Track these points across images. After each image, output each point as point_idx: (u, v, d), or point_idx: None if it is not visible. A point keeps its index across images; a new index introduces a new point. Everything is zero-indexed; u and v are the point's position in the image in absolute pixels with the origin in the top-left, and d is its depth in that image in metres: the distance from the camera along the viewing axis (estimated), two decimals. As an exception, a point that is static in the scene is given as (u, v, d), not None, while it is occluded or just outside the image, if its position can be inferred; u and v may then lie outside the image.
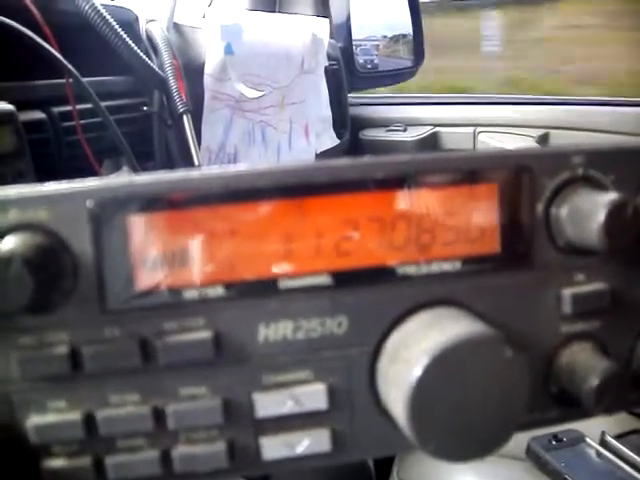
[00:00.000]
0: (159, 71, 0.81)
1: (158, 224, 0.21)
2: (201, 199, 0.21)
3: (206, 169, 0.23)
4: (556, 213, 0.23)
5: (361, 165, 0.22)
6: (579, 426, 0.74)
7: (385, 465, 0.82)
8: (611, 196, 0.22)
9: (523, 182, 0.23)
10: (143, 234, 0.21)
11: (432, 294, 0.23)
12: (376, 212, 0.22)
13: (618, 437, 0.72)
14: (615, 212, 0.21)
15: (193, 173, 0.21)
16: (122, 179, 0.21)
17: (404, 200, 0.23)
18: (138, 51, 0.76)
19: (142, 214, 0.21)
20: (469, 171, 0.23)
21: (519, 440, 0.73)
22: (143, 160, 0.80)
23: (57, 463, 0.21)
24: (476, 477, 0.72)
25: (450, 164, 0.23)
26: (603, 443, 0.72)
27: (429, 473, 0.75)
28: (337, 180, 0.22)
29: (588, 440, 0.73)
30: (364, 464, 0.81)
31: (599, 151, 0.24)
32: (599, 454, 0.71)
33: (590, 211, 0.22)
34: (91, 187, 0.21)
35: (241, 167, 0.22)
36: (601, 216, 0.21)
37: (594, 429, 0.73)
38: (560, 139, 1.16)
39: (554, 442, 0.72)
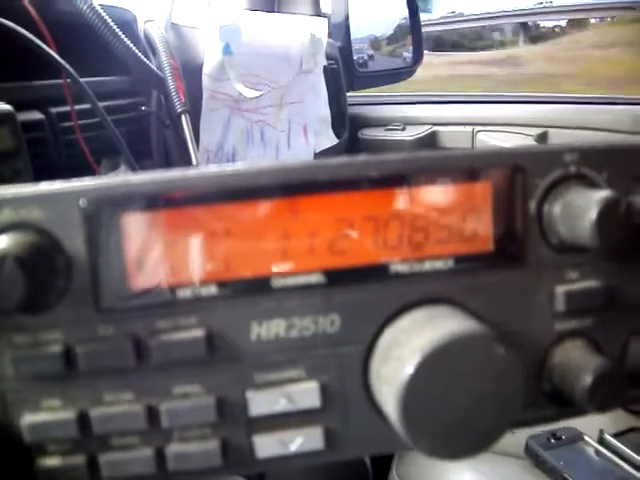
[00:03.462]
0: (157, 71, 0.81)
1: (152, 223, 0.21)
2: (195, 198, 0.21)
3: (200, 168, 0.23)
4: (549, 211, 0.23)
5: (355, 164, 0.22)
6: (577, 424, 0.74)
7: (384, 463, 0.82)
8: (603, 194, 0.22)
9: (516, 180, 0.23)
10: (136, 233, 0.21)
11: (425, 292, 0.23)
12: (370, 211, 0.22)
13: (616, 435, 0.73)
14: (607, 209, 0.21)
15: (186, 172, 0.22)
16: (115, 178, 0.21)
17: (397, 199, 0.23)
18: (136, 51, 0.75)
19: (135, 213, 0.21)
20: (462, 170, 0.23)
21: (518, 438, 0.73)
22: (141, 160, 0.80)
23: (51, 462, 0.21)
24: (475, 475, 0.72)
25: (443, 163, 0.23)
26: (601, 441, 0.72)
27: (428, 471, 0.75)
28: (331, 179, 0.22)
29: (586, 438, 0.73)
30: (361, 462, 0.81)
31: (592, 149, 0.24)
32: (597, 452, 0.71)
33: (582, 209, 0.22)
34: (84, 186, 0.21)
35: (235, 166, 0.22)
36: (593, 213, 0.21)
37: (592, 427, 0.73)
38: (559, 138, 1.16)
39: (553, 440, 0.72)
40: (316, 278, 0.22)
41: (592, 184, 0.24)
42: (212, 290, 0.22)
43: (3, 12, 0.58)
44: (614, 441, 0.71)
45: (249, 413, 0.22)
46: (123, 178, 0.21)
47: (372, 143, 1.34)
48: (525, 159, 0.23)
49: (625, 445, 0.70)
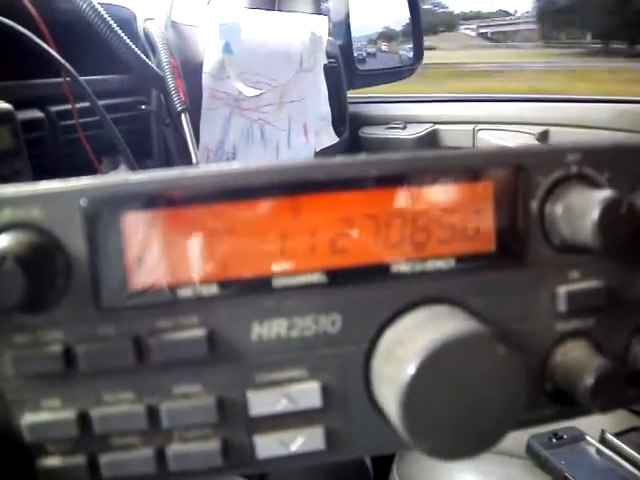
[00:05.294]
0: (157, 70, 0.81)
1: (152, 222, 0.21)
2: (195, 197, 0.21)
3: (200, 167, 0.23)
4: (551, 211, 0.23)
5: (356, 163, 0.22)
6: (579, 424, 0.74)
7: (385, 463, 0.82)
8: (605, 193, 0.22)
9: (518, 180, 0.23)
10: (137, 232, 0.21)
11: (427, 292, 0.23)
12: (371, 210, 0.22)
13: (618, 435, 0.72)
14: (609, 209, 0.21)
15: (187, 171, 0.21)
16: (116, 177, 0.21)
17: (399, 198, 0.23)
18: (136, 49, 0.75)
19: (136, 212, 0.21)
20: (464, 169, 0.23)
21: (519, 438, 0.73)
22: (141, 159, 0.80)
23: (51, 461, 0.21)
24: (476, 475, 0.72)
25: (445, 162, 0.23)
26: (603, 441, 0.72)
27: (429, 471, 0.75)
28: (332, 178, 0.22)
29: (588, 438, 0.73)
30: (362, 462, 0.81)
31: (594, 149, 0.24)
32: (599, 452, 0.71)
33: (584, 208, 0.22)
34: (85, 185, 0.21)
35: (236, 165, 0.22)
36: (595, 213, 0.21)
37: (594, 427, 0.73)
38: (560, 136, 1.16)
39: (554, 440, 0.72)
40: (317, 278, 0.22)
41: (594, 184, 0.23)
42: (213, 290, 0.22)
43: (3, 10, 0.58)
44: (616, 441, 0.71)
45: (250, 413, 0.22)
46: (124, 177, 0.21)
47: (373, 142, 1.34)
48: (527, 158, 0.23)
49: (627, 445, 0.70)
